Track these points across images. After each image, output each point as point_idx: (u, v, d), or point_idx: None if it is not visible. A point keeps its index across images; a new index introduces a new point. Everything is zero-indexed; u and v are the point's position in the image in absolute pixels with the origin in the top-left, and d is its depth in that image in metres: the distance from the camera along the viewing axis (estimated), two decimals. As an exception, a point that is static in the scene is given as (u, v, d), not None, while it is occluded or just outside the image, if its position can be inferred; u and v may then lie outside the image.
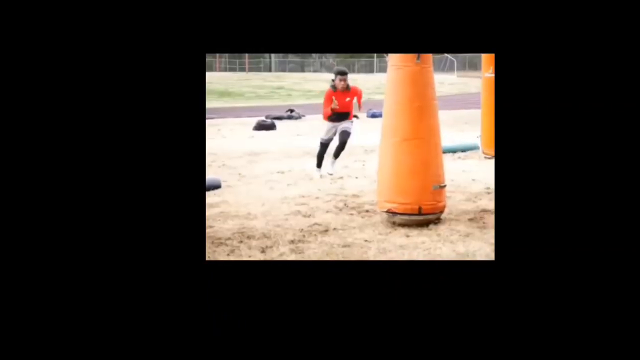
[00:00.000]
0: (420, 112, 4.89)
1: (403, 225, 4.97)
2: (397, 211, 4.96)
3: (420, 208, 4.85)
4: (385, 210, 5.05)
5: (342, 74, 7.64)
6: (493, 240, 4.50)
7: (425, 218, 4.93)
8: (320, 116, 12.22)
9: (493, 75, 9.07)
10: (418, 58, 4.80)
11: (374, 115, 21.79)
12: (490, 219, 5.23)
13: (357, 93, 7.77)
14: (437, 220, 5.06)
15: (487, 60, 9.17)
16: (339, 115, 7.79)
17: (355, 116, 18.21)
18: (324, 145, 8.01)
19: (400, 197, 4.91)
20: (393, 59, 4.96)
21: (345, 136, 7.87)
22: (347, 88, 7.62)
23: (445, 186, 5.09)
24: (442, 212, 5.10)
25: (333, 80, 7.59)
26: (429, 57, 4.95)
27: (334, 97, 7.55)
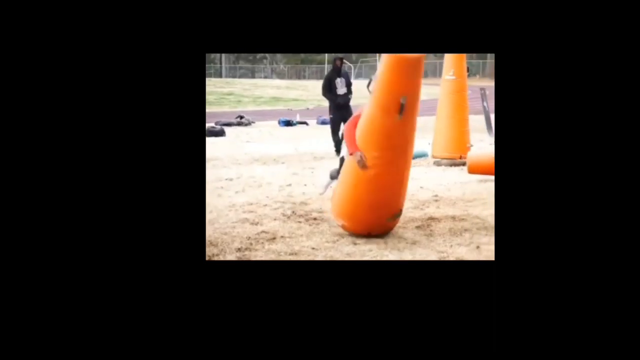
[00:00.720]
0: (394, 155, 4.55)
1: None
2: (346, 230, 4.93)
3: (369, 233, 4.82)
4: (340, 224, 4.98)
5: None
6: (439, 248, 4.53)
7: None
8: (272, 122, 12.14)
9: (454, 77, 9.23)
10: (401, 113, 4.25)
11: (323, 122, 21.91)
12: (437, 227, 5.27)
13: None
14: None
15: (448, 62, 9.27)
16: None
17: (305, 122, 17.95)
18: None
19: (353, 224, 4.85)
20: (377, 102, 4.41)
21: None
22: None
23: (400, 214, 4.96)
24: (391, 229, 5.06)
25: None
26: (413, 110, 4.40)
27: None
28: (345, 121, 10.31)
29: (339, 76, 10.77)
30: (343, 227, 4.91)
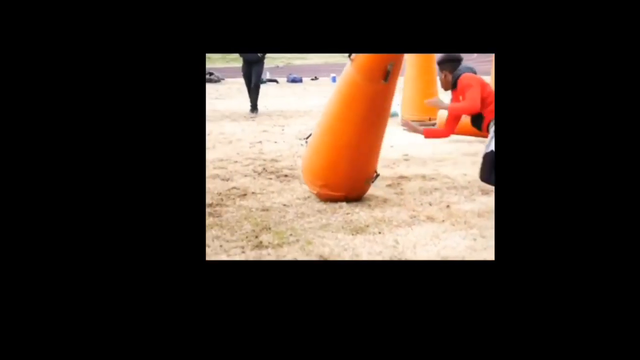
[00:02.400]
0: (370, 126, 4.44)
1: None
2: (322, 198, 4.77)
3: (346, 198, 4.73)
4: (314, 192, 4.81)
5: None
6: (410, 206, 4.58)
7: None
8: (241, 80, 12.10)
9: None
10: (387, 79, 4.16)
11: (294, 80, 21.81)
12: (408, 185, 5.31)
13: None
14: None
15: None
16: None
17: (275, 80, 17.96)
18: None
19: (331, 189, 4.68)
20: (361, 69, 4.23)
21: None
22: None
23: (377, 176, 4.86)
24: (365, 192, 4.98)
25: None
26: (397, 74, 4.26)
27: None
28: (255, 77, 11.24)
29: None
30: (318, 195, 4.75)
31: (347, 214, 4.38)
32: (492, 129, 4.12)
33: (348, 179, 4.63)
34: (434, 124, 9.01)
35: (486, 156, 3.96)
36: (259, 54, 11.23)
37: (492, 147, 3.88)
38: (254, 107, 11.44)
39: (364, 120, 4.38)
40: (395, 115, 10.10)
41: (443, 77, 4.50)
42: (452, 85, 4.47)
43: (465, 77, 4.33)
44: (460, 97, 4.38)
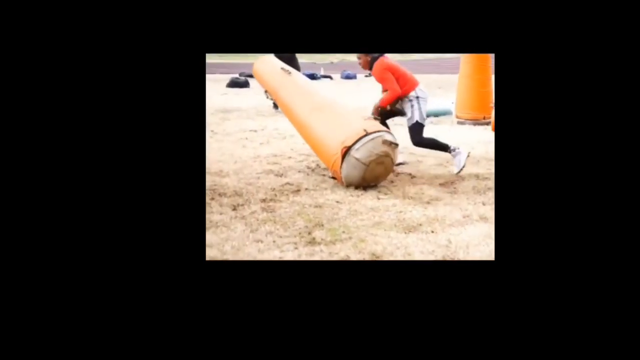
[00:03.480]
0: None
1: (373, 187, 5.02)
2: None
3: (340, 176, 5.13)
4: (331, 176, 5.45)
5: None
6: (463, 205, 4.55)
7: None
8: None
9: None
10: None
11: (347, 77, 21.76)
12: (461, 185, 5.28)
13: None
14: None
15: None
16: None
17: (329, 76, 17.62)
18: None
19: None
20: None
21: None
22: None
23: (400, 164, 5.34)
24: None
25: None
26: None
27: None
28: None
29: None
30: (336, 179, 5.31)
31: (400, 212, 4.39)
32: (409, 102, 5.48)
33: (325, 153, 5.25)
34: (488, 123, 8.89)
35: (411, 127, 5.47)
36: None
37: (416, 118, 5.45)
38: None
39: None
40: (449, 113, 9.99)
41: (361, 59, 5.61)
42: (369, 66, 5.56)
43: (377, 69, 5.45)
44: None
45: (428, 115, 8.59)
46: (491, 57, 9.21)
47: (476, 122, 9.16)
